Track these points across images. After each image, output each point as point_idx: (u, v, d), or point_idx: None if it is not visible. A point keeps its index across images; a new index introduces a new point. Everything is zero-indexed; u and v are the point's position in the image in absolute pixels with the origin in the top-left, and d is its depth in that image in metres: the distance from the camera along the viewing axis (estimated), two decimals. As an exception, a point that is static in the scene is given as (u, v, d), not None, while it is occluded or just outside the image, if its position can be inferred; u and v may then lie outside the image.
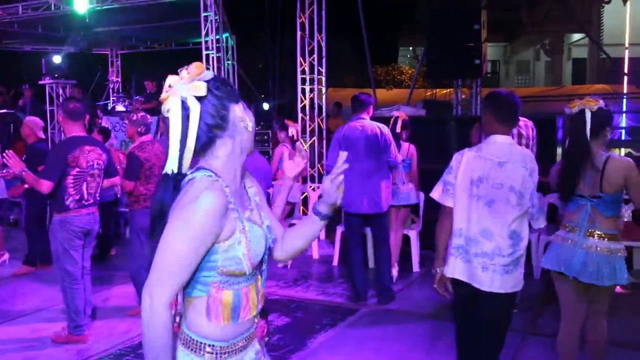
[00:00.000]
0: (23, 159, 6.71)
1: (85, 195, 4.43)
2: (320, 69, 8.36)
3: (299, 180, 7.08)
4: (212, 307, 1.64)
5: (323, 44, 8.30)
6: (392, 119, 5.90)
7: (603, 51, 15.07)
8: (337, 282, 6.10)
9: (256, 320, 1.77)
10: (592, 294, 3.32)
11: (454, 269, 3.14)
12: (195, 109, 1.59)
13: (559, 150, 6.96)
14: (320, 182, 8.16)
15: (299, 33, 8.18)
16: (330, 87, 13.65)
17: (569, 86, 17.79)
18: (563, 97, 12.82)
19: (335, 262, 6.75)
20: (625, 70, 14.52)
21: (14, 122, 10.93)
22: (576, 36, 21.36)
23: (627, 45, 16.72)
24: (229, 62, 10.02)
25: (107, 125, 9.48)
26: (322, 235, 7.69)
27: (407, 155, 5.99)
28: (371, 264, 6.45)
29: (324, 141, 8.48)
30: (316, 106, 8.36)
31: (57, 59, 10.28)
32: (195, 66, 1.62)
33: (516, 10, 19.41)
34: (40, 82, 10.60)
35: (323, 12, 8.23)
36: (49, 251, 4.53)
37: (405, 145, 6.01)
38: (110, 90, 13.39)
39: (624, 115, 10.94)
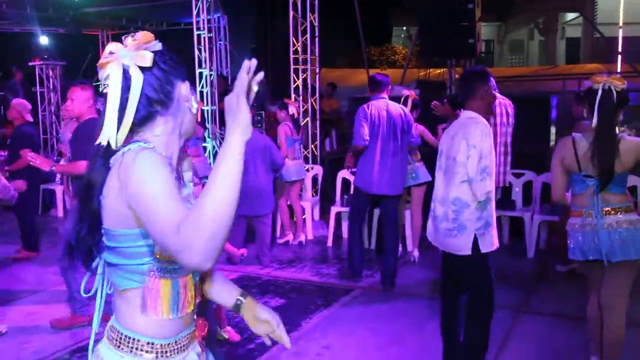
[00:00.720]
0: (8, 142, 6.67)
1: None
2: (313, 49, 8.29)
3: (301, 157, 7.06)
4: (148, 299, 1.47)
5: (316, 24, 8.22)
6: (403, 98, 5.89)
7: (597, 30, 15.01)
8: (332, 263, 6.11)
9: (195, 318, 1.62)
10: (610, 274, 3.23)
11: (429, 233, 3.60)
12: (137, 79, 1.45)
13: (553, 130, 6.97)
14: (314, 163, 8.15)
15: (291, 13, 8.08)
16: (324, 68, 13.57)
17: (563, 65, 17.77)
18: (557, 77, 12.80)
19: (329, 243, 6.76)
20: (619, 50, 14.50)
21: (3, 104, 10.83)
22: (570, 15, 21.28)
23: (621, 24, 16.69)
24: (221, 42, 9.94)
25: (99, 108, 9.39)
26: (317, 216, 7.69)
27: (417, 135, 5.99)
28: (369, 245, 6.49)
29: (317, 122, 8.44)
30: (309, 87, 8.31)
31: (45, 40, 10.15)
32: (142, 34, 1.48)
33: (511, -11, 19.31)
34: (30, 64, 10.47)
35: (316, -9, 8.15)
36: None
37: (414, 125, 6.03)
38: (102, 71, 13.24)
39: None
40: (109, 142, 1.45)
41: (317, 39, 8.27)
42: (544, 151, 6.61)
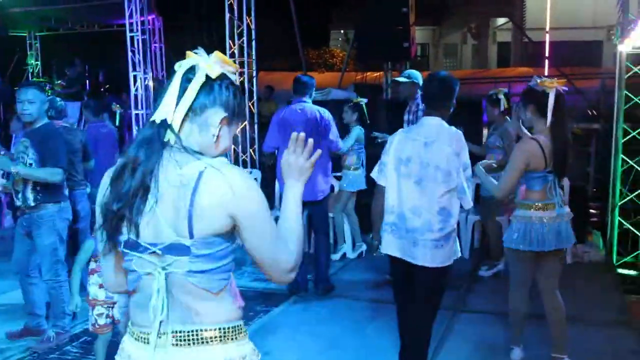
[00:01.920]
0: None
1: None
2: (250, 51, 8.23)
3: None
4: (235, 290, 1.68)
5: (253, 27, 8.16)
6: (352, 104, 5.97)
7: (525, 35, 15.59)
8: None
9: None
10: (550, 262, 3.57)
11: (388, 245, 3.30)
12: (198, 79, 1.59)
13: (485, 132, 7.15)
14: (252, 167, 8.08)
15: (227, 15, 8.00)
16: (262, 71, 13.51)
17: (495, 69, 18.33)
18: (489, 80, 13.20)
19: (269, 248, 6.69)
20: (547, 54, 15.09)
21: None
22: (500, 20, 22.00)
23: (548, 29, 17.37)
24: (156, 44, 9.72)
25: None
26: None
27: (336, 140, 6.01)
28: (309, 249, 6.49)
29: (256, 125, 8.38)
30: (247, 90, 8.24)
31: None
32: (227, 60, 1.64)
33: (443, -6, 19.80)
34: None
35: (252, -6, 8.09)
36: None
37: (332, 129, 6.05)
38: (30, 74, 12.73)
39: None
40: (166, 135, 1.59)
41: (254, 41, 8.21)
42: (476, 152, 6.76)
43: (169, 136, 1.58)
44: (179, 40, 13.31)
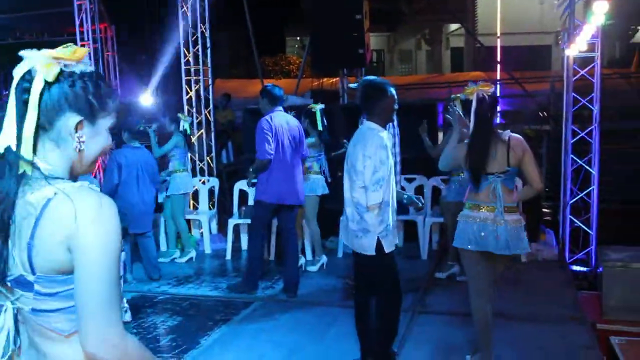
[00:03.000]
0: None
1: None
2: (205, 60, 8.17)
3: (189, 171, 6.94)
4: None
5: (207, 35, 8.11)
6: (306, 110, 5.98)
7: (477, 40, 15.91)
8: (231, 277, 6.01)
9: None
10: (498, 266, 3.65)
11: (341, 231, 3.86)
12: (35, 89, 1.33)
13: (440, 136, 7.26)
14: (210, 175, 8.00)
15: (181, 23, 7.92)
16: (218, 79, 13.42)
17: (448, 74, 18.67)
18: (443, 85, 13.43)
19: (228, 256, 6.65)
20: (498, 58, 15.44)
21: None
22: (453, 26, 22.44)
23: (499, 34, 17.78)
24: (108, 53, 9.56)
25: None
26: (215, 230, 7.53)
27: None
28: (269, 256, 6.46)
29: (212, 133, 8.31)
30: (202, 98, 8.17)
31: None
32: (75, 49, 1.37)
33: (397, 1, 20.06)
34: None
35: (206, 2, 8.04)
36: None
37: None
38: (-24, 85, 12.36)
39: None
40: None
41: (209, 49, 8.15)
42: (433, 156, 6.87)
43: (24, 166, 1.32)
44: (132, 48, 13.12)
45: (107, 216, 1.31)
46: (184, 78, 8.01)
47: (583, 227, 6.29)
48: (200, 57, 8.08)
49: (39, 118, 1.32)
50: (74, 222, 1.28)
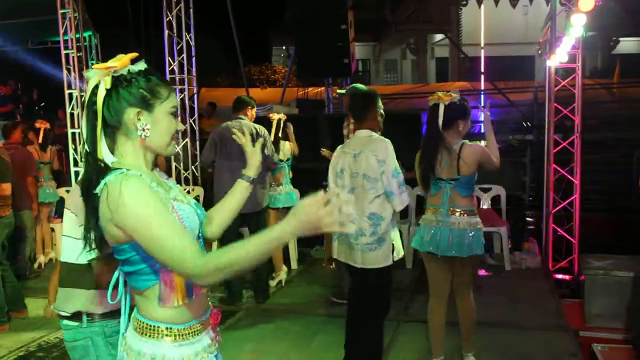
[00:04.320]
0: None
1: None
2: (190, 68, 8.16)
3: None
4: (165, 292, 1.63)
5: (192, 43, 8.10)
6: (276, 121, 5.96)
7: (461, 51, 16.06)
8: (214, 286, 5.97)
9: (211, 305, 1.81)
10: (456, 269, 3.65)
11: (335, 250, 3.62)
12: (100, 98, 1.61)
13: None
14: (195, 184, 7.98)
15: (166, 32, 7.92)
16: (204, 87, 13.40)
17: (433, 84, 18.77)
18: (428, 94, 13.50)
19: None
20: (482, 69, 15.59)
21: None
22: (438, 36, 22.60)
23: (482, 45, 17.97)
24: (93, 62, 9.50)
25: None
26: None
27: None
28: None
29: (197, 142, 8.29)
30: (187, 107, 8.15)
31: None
32: (119, 57, 1.63)
33: (381, 11, 20.19)
34: None
35: (191, 11, 8.04)
36: None
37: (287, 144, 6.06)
38: (-41, 93, 12.21)
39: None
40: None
41: (193, 58, 8.15)
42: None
43: (97, 161, 1.62)
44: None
45: (129, 192, 1.52)
46: (169, 87, 7.97)
47: (566, 235, 6.34)
48: (185, 65, 8.08)
49: (107, 120, 1.60)
50: (109, 204, 1.53)
